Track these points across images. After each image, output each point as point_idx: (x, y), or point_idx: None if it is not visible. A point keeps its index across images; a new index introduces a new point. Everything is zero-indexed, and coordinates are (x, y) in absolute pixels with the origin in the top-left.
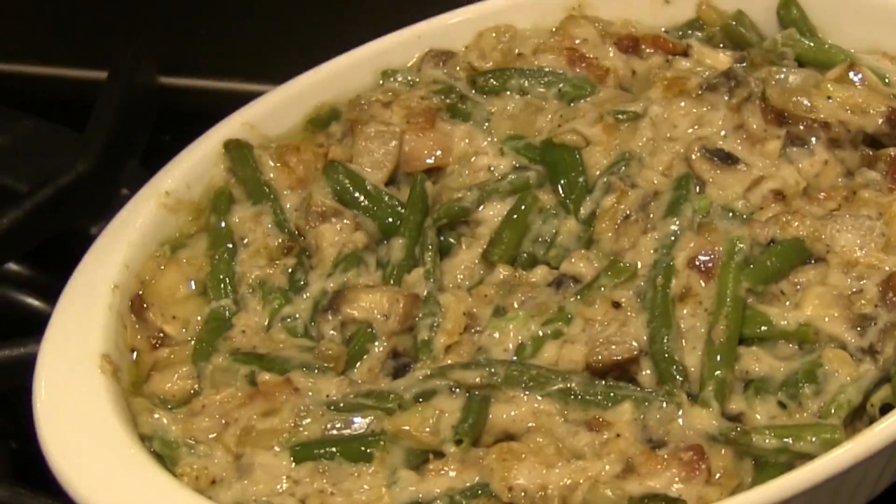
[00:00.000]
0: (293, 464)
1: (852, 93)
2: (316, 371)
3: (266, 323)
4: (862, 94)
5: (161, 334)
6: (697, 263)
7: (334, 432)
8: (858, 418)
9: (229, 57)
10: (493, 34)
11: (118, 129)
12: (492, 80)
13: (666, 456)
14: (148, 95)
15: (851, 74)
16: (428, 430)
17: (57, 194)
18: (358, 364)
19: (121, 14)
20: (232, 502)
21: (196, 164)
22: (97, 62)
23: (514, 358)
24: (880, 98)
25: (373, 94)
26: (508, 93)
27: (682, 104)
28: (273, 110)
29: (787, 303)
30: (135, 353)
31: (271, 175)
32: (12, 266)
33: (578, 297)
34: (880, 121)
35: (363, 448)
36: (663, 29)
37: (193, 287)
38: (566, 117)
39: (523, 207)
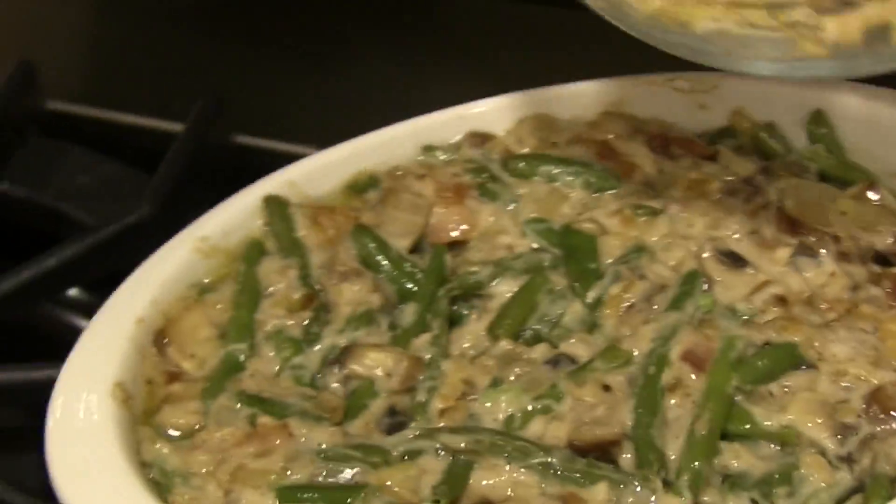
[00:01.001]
0: None
1: (866, 210)
2: (313, 419)
3: (276, 370)
4: (875, 212)
5: (178, 370)
6: (691, 357)
7: (320, 479)
8: None
9: (295, 118)
10: (534, 122)
11: (185, 178)
12: (523, 164)
13: None
14: (220, 150)
15: (870, 193)
16: (409, 487)
17: (119, 233)
18: (356, 418)
19: (204, 69)
20: None
21: (235, 214)
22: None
23: (503, 428)
24: (892, 218)
25: (410, 166)
26: (537, 178)
27: (701, 205)
28: (316, 172)
29: (774, 405)
30: (151, 385)
31: (303, 232)
32: (75, 292)
33: (571, 376)
34: (890, 239)
35: (345, 497)
36: (696, 133)
37: (215, 330)
38: (588, 206)
39: (533, 286)
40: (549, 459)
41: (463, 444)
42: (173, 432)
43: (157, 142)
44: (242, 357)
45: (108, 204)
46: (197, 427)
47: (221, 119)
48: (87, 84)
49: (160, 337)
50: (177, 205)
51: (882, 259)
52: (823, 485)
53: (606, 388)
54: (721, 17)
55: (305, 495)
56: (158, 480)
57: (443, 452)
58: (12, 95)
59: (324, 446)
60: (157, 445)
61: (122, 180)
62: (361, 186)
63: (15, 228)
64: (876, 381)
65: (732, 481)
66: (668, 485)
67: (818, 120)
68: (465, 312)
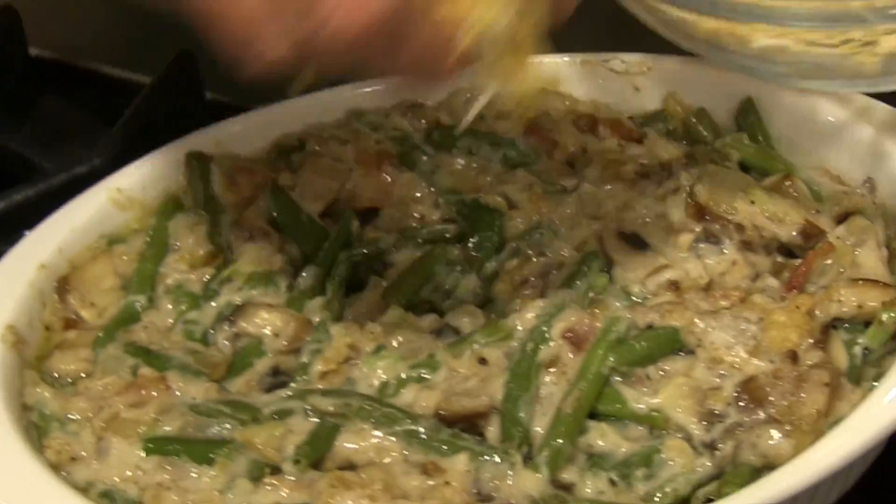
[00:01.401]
0: (143, 455)
1: (775, 201)
2: (192, 374)
3: (170, 323)
4: (784, 204)
5: (76, 317)
6: (572, 335)
7: (189, 432)
8: None
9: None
10: (467, 95)
11: (148, 131)
12: (444, 135)
13: None
14: (190, 106)
15: (787, 184)
16: (273, 445)
17: (69, 182)
18: (239, 375)
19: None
20: (84, 481)
21: (156, 168)
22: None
23: (377, 394)
24: (801, 210)
25: (335, 131)
26: (457, 150)
27: (615, 186)
28: (244, 132)
29: (648, 387)
30: (48, 330)
31: (220, 190)
32: None
33: (450, 348)
34: (794, 232)
35: (208, 451)
36: (628, 116)
37: (119, 280)
38: (503, 181)
39: (431, 257)
40: (415, 427)
41: (332, 407)
42: (60, 378)
43: (131, 94)
44: (140, 308)
45: (69, 153)
46: (83, 375)
47: (194, 75)
48: (68, 33)
49: (63, 284)
50: (132, 158)
51: (787, 251)
52: (682, 469)
53: (483, 360)
54: (779, 34)
55: (170, 447)
56: (37, 424)
57: (312, 414)
58: None
59: (197, 401)
60: (39, 389)
61: (88, 131)
62: (287, 148)
63: None
64: (750, 371)
65: (594, 461)
66: (529, 460)
67: (747, 108)
68: (368, 279)
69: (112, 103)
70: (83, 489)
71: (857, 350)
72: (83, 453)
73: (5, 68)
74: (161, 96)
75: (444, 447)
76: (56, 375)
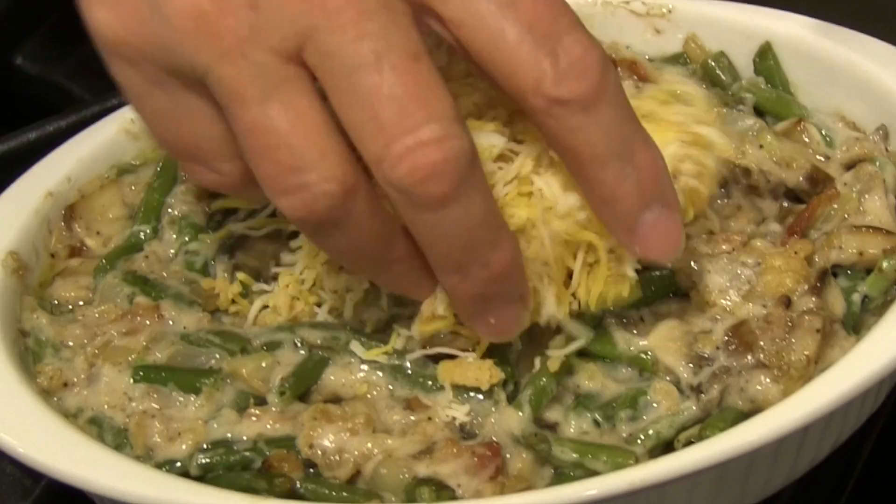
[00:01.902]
0: (131, 382)
1: (784, 146)
2: (185, 304)
3: (172, 254)
4: (793, 149)
5: (81, 246)
6: None
7: (178, 361)
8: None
9: None
10: None
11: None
12: None
13: (464, 447)
14: None
15: (798, 130)
16: (260, 377)
17: (101, 113)
18: (232, 306)
19: None
20: (75, 407)
21: None
22: None
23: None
24: (808, 156)
25: None
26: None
27: None
28: None
29: (641, 330)
30: (54, 258)
31: None
32: None
33: None
34: (801, 177)
35: (194, 380)
36: (647, 57)
37: (126, 210)
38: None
39: None
40: (401, 363)
41: (320, 340)
42: (60, 305)
43: None
44: (144, 238)
45: (111, 85)
46: (82, 303)
47: None
48: None
49: (70, 212)
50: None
51: (796, 196)
52: (667, 412)
53: None
54: None
55: (158, 375)
56: (33, 349)
57: (301, 346)
58: None
59: (188, 330)
60: (36, 315)
61: None
62: None
63: (25, 102)
64: (742, 316)
65: (579, 401)
66: (513, 399)
67: (765, 53)
68: None
69: None
70: (73, 415)
71: (856, 298)
72: (74, 379)
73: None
74: None
75: (430, 383)
76: (56, 302)
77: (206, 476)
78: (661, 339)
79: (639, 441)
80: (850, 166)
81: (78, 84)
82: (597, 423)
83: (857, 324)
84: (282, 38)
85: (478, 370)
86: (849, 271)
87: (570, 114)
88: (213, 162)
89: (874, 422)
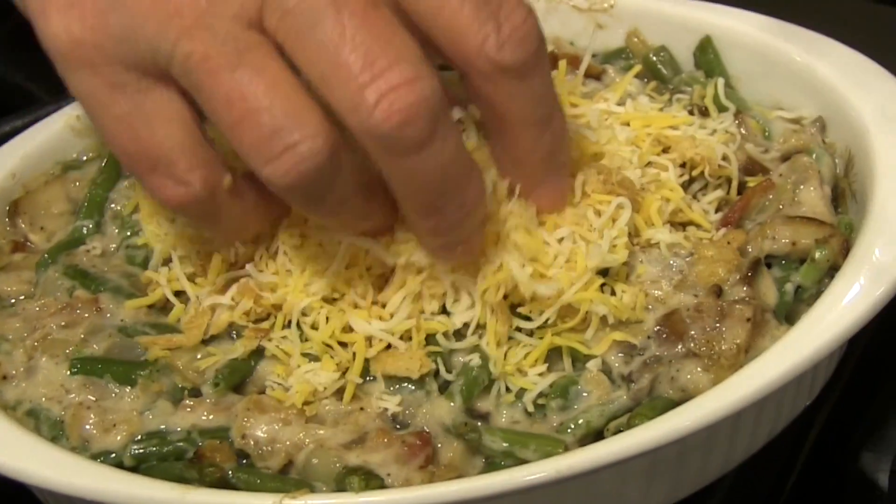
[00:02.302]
0: (69, 374)
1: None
2: (124, 297)
3: (114, 248)
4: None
5: (26, 241)
6: None
7: (115, 353)
8: None
9: None
10: None
11: None
12: None
13: (395, 436)
14: None
15: (737, 122)
16: (194, 368)
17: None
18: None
19: None
20: (13, 399)
21: None
22: None
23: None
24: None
25: None
26: None
27: None
28: None
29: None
30: None
31: None
32: None
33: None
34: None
35: (131, 373)
36: (592, 53)
37: (70, 205)
38: None
39: None
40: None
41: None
42: (1, 299)
43: None
44: (86, 233)
45: None
46: (23, 297)
47: None
48: None
49: (14, 208)
50: None
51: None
52: (598, 401)
53: None
54: None
55: (95, 367)
56: None
57: (235, 338)
58: None
59: (125, 322)
60: None
61: None
62: None
63: None
64: (674, 305)
65: (510, 390)
66: (445, 389)
67: (706, 46)
68: None
69: None
70: (11, 408)
71: (789, 287)
72: (13, 372)
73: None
74: None
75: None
76: None
77: (139, 466)
78: (592, 329)
79: (569, 430)
80: (786, 158)
81: (39, 85)
82: (528, 412)
83: (790, 313)
84: (240, 5)
85: (409, 360)
86: (783, 261)
87: (507, 79)
88: (177, 170)
89: (814, 415)
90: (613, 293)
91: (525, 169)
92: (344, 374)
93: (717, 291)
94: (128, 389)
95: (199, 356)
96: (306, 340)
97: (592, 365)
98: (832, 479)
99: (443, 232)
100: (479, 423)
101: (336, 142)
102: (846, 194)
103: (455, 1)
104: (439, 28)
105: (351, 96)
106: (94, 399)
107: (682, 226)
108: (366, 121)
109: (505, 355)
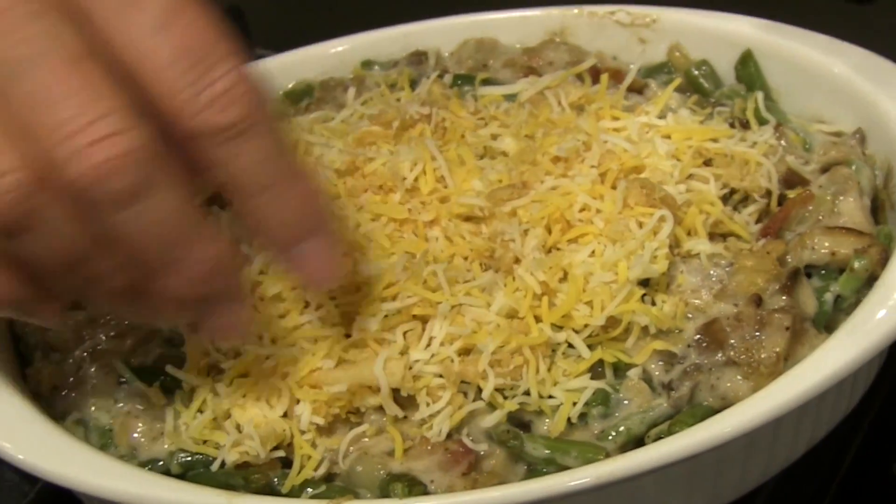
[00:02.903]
0: (117, 384)
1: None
2: None
3: None
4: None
5: None
6: None
7: (163, 363)
8: None
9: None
10: (475, 44)
11: None
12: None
13: (438, 444)
14: None
15: (777, 134)
16: None
17: None
18: None
19: None
20: (63, 409)
21: None
22: None
23: None
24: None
25: (341, 78)
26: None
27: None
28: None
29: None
30: None
31: None
32: None
33: None
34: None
35: (178, 383)
36: (632, 66)
37: None
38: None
39: None
40: None
41: None
42: None
43: None
44: None
45: None
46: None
47: (242, 30)
48: None
49: None
50: None
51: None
52: (638, 409)
53: None
54: None
55: (143, 377)
56: (23, 353)
57: None
58: None
59: (172, 332)
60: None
61: None
62: (298, 95)
63: None
64: (713, 314)
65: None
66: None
67: (746, 60)
68: None
69: None
70: (61, 417)
71: (829, 297)
72: (63, 382)
73: None
74: None
75: None
76: None
77: (186, 474)
78: (634, 337)
79: (610, 437)
80: (826, 169)
81: None
82: (569, 420)
83: (829, 323)
84: None
85: None
86: (822, 271)
87: (215, 144)
88: None
89: (858, 425)
90: (654, 303)
91: (267, 236)
92: None
93: (757, 301)
94: (175, 398)
95: None
96: None
97: (633, 373)
98: (874, 487)
99: (179, 299)
100: (521, 432)
101: (42, 182)
102: (885, 205)
103: (163, 57)
104: (146, 83)
105: (50, 151)
106: (141, 408)
107: (723, 237)
108: (65, 175)
109: (549, 368)
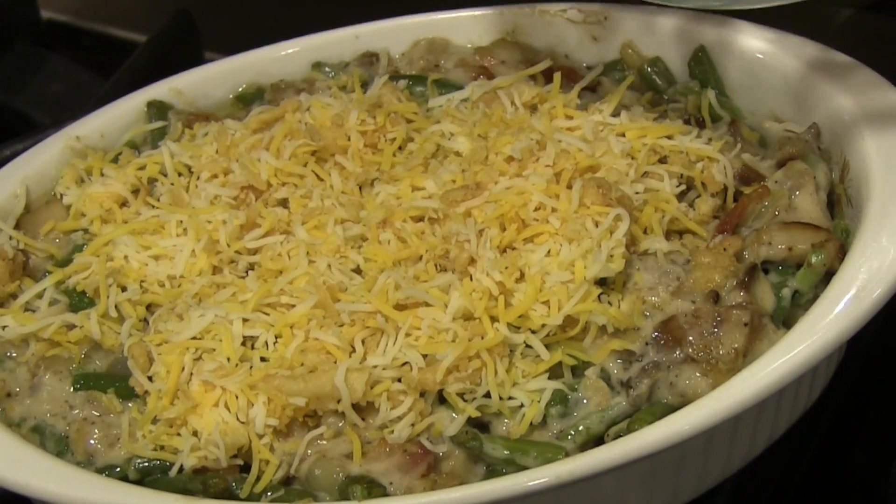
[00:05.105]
0: (72, 390)
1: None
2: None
3: None
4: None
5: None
6: None
7: (117, 369)
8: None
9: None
10: (427, 45)
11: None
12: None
13: (397, 446)
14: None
15: (731, 130)
16: None
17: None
18: None
19: None
20: (18, 416)
21: (116, 117)
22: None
23: None
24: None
25: (292, 81)
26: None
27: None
28: (205, 81)
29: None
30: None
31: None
32: None
33: None
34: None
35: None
36: (585, 65)
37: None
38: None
39: None
40: None
41: None
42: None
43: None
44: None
45: (69, 110)
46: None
47: (192, 34)
48: None
49: (16, 226)
50: None
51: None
52: (597, 408)
53: None
54: None
55: (97, 383)
56: None
57: None
58: (5, 3)
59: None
60: None
61: (91, 88)
62: (249, 98)
63: None
64: (671, 312)
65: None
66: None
67: (700, 56)
68: None
69: (118, 63)
70: (17, 424)
71: (786, 293)
72: (17, 389)
73: (17, 31)
74: (157, 54)
75: None
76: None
77: (144, 480)
78: (590, 337)
79: (569, 437)
80: (782, 165)
81: (38, 110)
82: (532, 426)
83: (787, 318)
84: None
85: None
86: (779, 267)
87: None
88: None
89: (818, 421)
90: (611, 303)
91: None
92: None
93: (715, 297)
94: (130, 405)
95: None
96: None
97: (591, 372)
98: (835, 483)
99: None
100: (480, 433)
101: None
102: (842, 200)
103: None
104: None
105: None
106: (97, 414)
107: (679, 234)
108: None
109: (508, 369)
